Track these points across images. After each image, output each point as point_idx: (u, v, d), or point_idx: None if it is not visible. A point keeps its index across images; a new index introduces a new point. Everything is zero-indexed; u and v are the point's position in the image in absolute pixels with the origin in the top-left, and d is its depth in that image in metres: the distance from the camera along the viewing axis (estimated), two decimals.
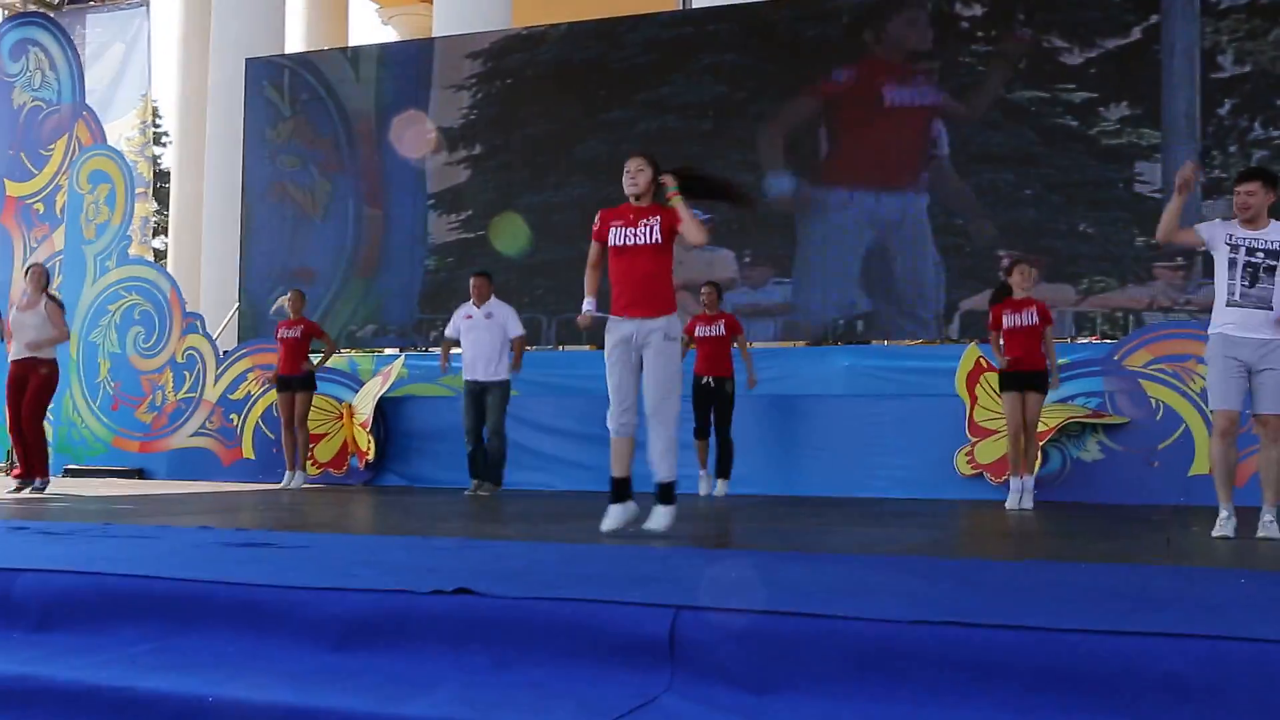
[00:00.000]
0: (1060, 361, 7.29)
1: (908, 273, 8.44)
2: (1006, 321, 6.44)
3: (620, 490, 4.66)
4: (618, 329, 4.60)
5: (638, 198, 4.63)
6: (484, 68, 9.96)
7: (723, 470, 7.37)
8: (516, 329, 7.66)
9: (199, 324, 9.65)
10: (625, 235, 4.58)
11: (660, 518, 4.60)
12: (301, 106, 10.50)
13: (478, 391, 7.61)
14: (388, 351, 10.23)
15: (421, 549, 4.24)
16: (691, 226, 4.51)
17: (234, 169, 11.11)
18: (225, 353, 9.59)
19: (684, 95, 9.21)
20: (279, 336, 8.32)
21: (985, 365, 7.04)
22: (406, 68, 10.21)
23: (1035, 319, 6.40)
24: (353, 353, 10.12)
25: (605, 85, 9.49)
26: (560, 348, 9.78)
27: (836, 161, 8.70)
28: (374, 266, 10.12)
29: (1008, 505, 6.46)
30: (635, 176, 4.65)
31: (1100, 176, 8.11)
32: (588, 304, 4.70)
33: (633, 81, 9.39)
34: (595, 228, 4.69)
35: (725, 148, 9.04)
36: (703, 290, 7.55)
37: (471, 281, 7.77)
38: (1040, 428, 6.95)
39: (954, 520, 6.14)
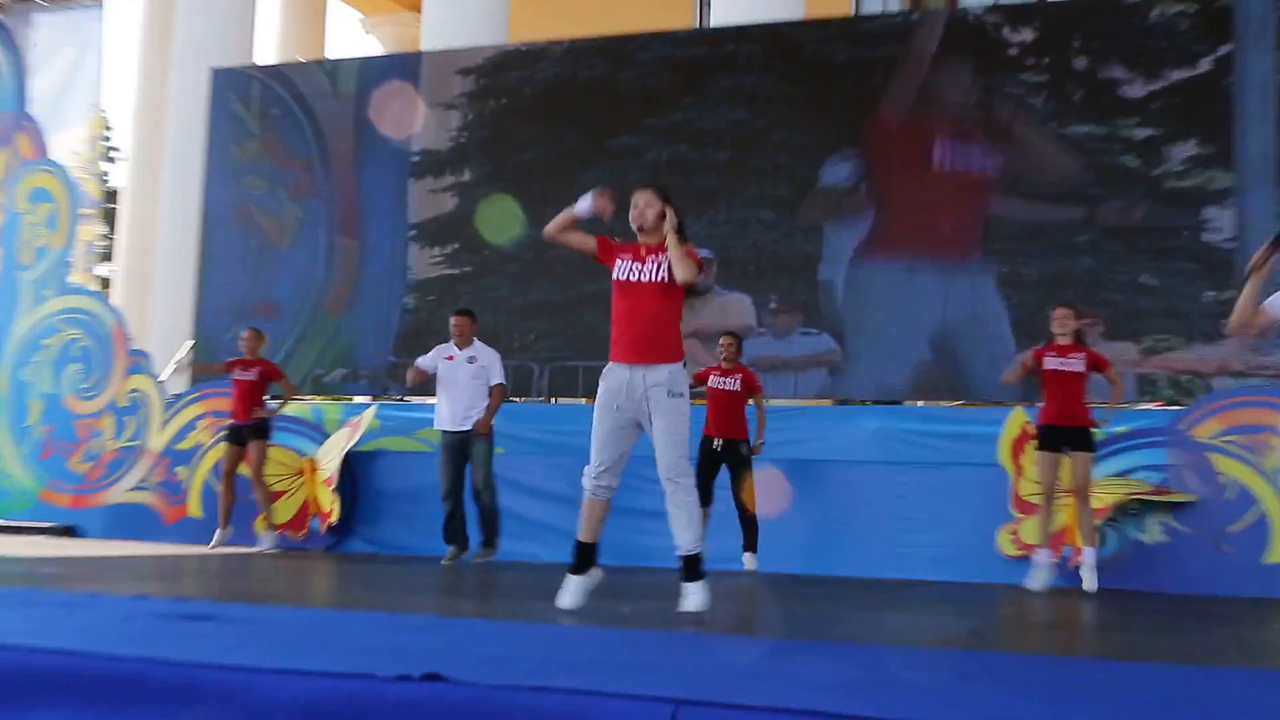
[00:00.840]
0: (1118, 430, 7.28)
1: (962, 326, 8.47)
2: (1048, 363, 6.47)
3: (584, 558, 4.68)
4: (613, 376, 4.62)
5: (644, 232, 4.68)
6: (476, 85, 10.08)
7: (750, 542, 7.36)
8: (498, 376, 7.72)
9: (145, 363, 9.66)
10: (631, 271, 4.63)
11: (695, 597, 4.57)
12: (272, 123, 10.62)
13: (458, 445, 7.64)
14: (358, 400, 10.26)
15: (388, 627, 4.20)
16: (680, 260, 4.53)
17: (193, 190, 11.20)
18: (174, 396, 9.60)
19: (700, 121, 9.32)
20: (232, 378, 8.33)
21: (1031, 432, 7.05)
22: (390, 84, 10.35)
23: (1081, 367, 6.42)
24: (318, 400, 10.14)
25: (611, 108, 9.60)
26: (553, 400, 9.78)
27: (881, 223, 8.74)
28: (345, 303, 10.18)
29: (1031, 584, 6.45)
30: (644, 211, 4.71)
31: (1165, 223, 8.17)
32: (580, 204, 4.66)
33: (642, 105, 9.50)
34: (608, 243, 4.73)
35: (745, 180, 9.12)
36: (721, 341, 7.59)
37: (452, 321, 7.82)
38: (1095, 504, 6.92)
39: (994, 607, 6.10)
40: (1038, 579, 6.51)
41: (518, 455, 8.72)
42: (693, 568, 4.60)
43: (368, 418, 9.00)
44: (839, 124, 8.99)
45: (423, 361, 7.84)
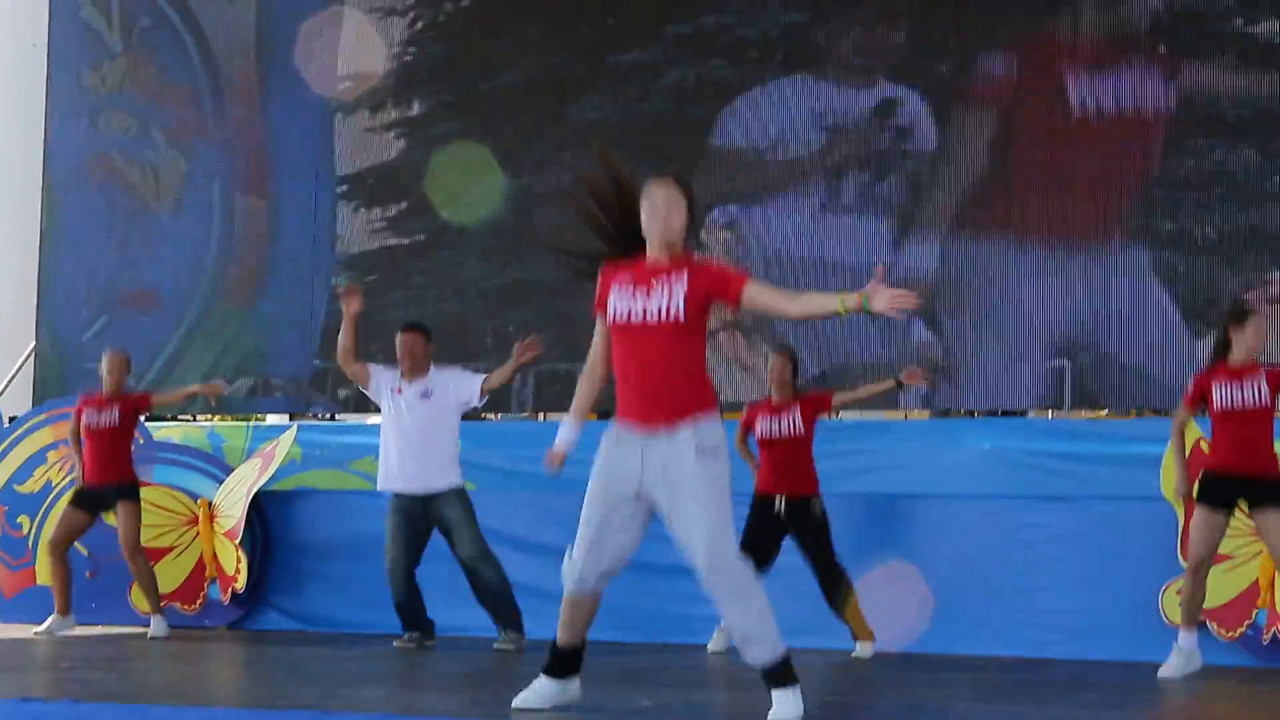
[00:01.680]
0: None
1: (1109, 311, 8.55)
2: (1218, 398, 6.41)
3: (563, 663, 4.77)
4: (623, 440, 4.65)
5: (657, 246, 4.65)
6: None
7: (858, 626, 7.35)
8: (472, 384, 7.71)
9: None
10: (633, 306, 4.61)
11: (788, 706, 4.55)
12: (141, 39, 10.64)
13: (418, 514, 7.60)
14: (270, 419, 10.26)
15: None
16: (779, 297, 4.67)
17: (30, 135, 11.16)
18: (11, 419, 9.63)
19: (738, 27, 9.32)
20: (82, 425, 8.24)
21: (1206, 452, 7.07)
22: None
23: (1265, 397, 6.34)
24: (215, 420, 10.15)
25: (616, 12, 9.61)
26: (540, 417, 9.81)
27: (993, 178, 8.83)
28: (251, 288, 10.19)
29: (1163, 672, 6.46)
30: (668, 217, 4.62)
31: None
32: (564, 431, 4.86)
33: (659, 5, 9.52)
34: (597, 292, 4.75)
35: (798, 107, 9.12)
36: (772, 361, 7.53)
37: (399, 340, 7.73)
38: None
39: (1157, 697, 6.13)
40: (1174, 665, 6.48)
41: (492, 492, 8.69)
42: (779, 676, 4.58)
43: (284, 445, 8.97)
44: (933, 29, 9.00)
45: (374, 366, 7.82)
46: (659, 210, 4.61)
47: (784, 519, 7.33)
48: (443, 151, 9.81)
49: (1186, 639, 6.51)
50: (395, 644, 7.60)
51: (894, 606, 7.60)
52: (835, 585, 7.32)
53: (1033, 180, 8.74)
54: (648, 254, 4.67)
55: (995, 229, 8.78)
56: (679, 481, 4.51)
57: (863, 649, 7.34)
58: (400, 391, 7.67)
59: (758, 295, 4.61)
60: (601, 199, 4.76)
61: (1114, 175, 8.60)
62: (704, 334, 4.68)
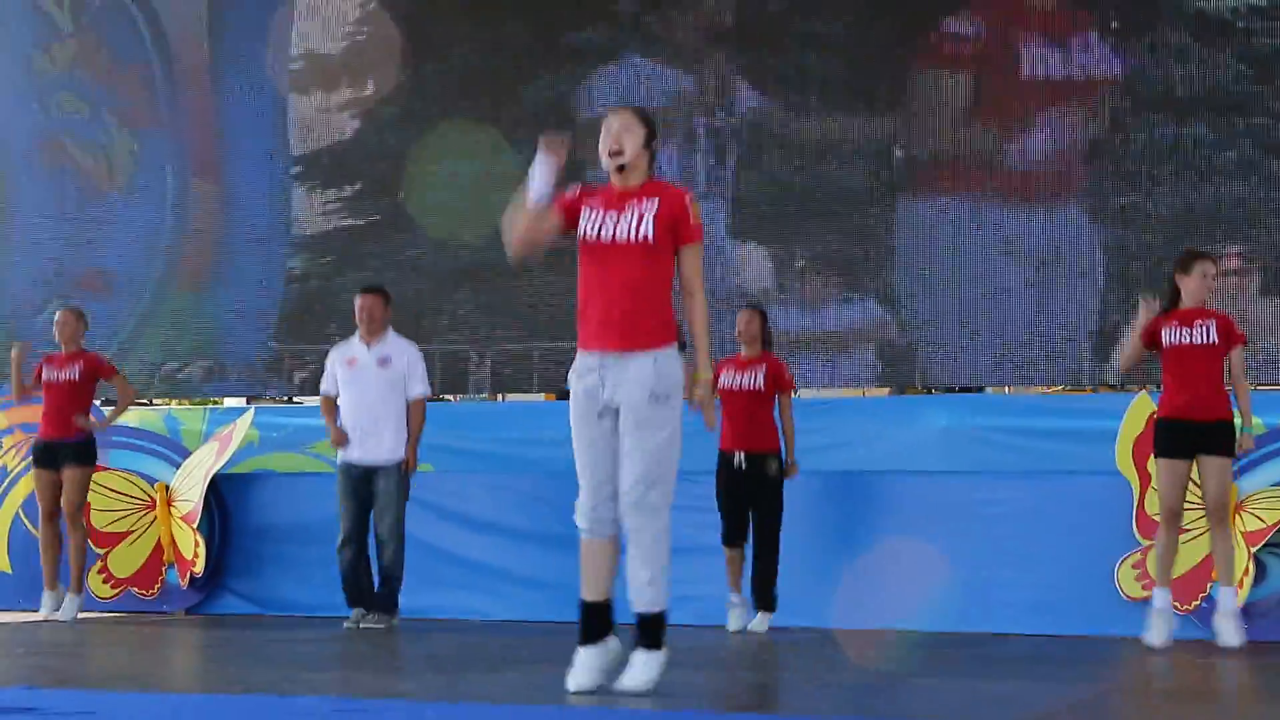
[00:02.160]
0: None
1: (1047, 290, 8.53)
2: (1168, 338, 6.53)
3: (596, 622, 4.69)
4: (584, 370, 4.69)
5: (622, 170, 4.72)
6: None
7: (763, 598, 7.42)
8: (419, 385, 7.77)
9: None
10: (603, 225, 4.67)
11: (639, 670, 4.62)
12: (92, 18, 10.54)
13: (361, 478, 7.70)
14: (228, 403, 10.22)
15: (275, 715, 4.23)
16: (694, 283, 4.72)
17: None
18: None
19: (696, 5, 9.29)
20: (42, 379, 8.32)
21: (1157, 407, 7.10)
22: None
23: (1213, 337, 6.49)
24: (171, 405, 10.11)
25: None
26: (499, 398, 9.81)
27: (945, 149, 8.80)
28: (206, 271, 10.13)
29: (1149, 638, 6.54)
30: (621, 137, 4.73)
31: None
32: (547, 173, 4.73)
33: None
34: (568, 199, 4.80)
35: (763, 87, 9.10)
36: (739, 320, 7.63)
37: (358, 302, 7.82)
38: (1254, 524, 6.96)
39: (1113, 670, 6.17)
40: (1157, 631, 6.57)
41: (451, 475, 8.71)
42: (652, 631, 4.65)
43: (242, 428, 8.98)
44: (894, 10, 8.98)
45: (326, 388, 7.90)
46: (614, 133, 4.70)
47: (745, 473, 7.37)
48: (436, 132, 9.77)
49: (1161, 597, 6.54)
50: (346, 626, 7.63)
51: (860, 583, 7.66)
52: (766, 551, 7.38)
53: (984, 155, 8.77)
54: (612, 181, 4.75)
55: (947, 195, 8.78)
56: (630, 413, 4.60)
57: (760, 622, 7.41)
58: (354, 362, 7.76)
59: (688, 261, 4.71)
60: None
61: (1065, 152, 8.60)
62: (671, 260, 4.70)
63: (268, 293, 10.00)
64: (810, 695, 5.09)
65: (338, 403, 7.82)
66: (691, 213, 4.71)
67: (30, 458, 8.52)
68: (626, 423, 4.60)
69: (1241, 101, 8.33)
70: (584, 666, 4.65)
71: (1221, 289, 7.88)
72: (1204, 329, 6.54)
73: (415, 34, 9.89)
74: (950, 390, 8.78)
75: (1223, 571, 6.60)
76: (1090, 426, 7.81)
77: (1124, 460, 7.40)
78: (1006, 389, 8.87)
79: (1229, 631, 6.51)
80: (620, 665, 4.69)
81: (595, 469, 4.66)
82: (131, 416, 9.40)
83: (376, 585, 7.73)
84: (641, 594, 4.63)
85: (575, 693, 4.59)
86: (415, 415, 7.74)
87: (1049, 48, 8.65)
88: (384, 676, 5.90)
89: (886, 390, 9.09)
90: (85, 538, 8.34)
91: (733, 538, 7.47)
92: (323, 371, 8.05)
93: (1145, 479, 7.29)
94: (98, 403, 8.68)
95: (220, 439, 8.94)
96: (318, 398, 8.14)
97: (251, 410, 9.41)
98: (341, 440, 7.76)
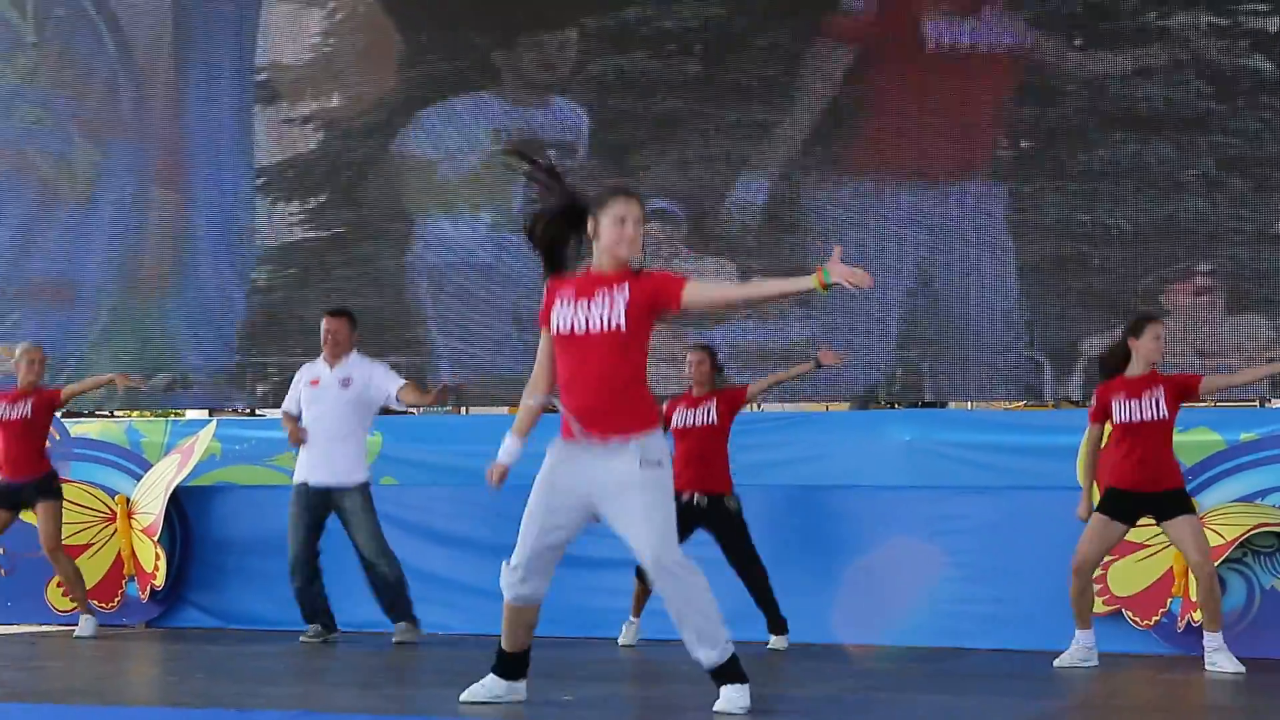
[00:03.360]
0: (1246, 437, 7.34)
1: (986, 301, 8.53)
2: (1118, 413, 6.48)
3: (510, 665, 4.87)
4: (562, 458, 4.70)
5: (622, 262, 4.69)
6: None
7: (774, 621, 7.36)
8: (393, 381, 7.71)
9: None
10: (575, 316, 4.65)
11: (734, 700, 4.66)
12: (55, 27, 10.49)
13: (317, 503, 7.65)
14: (190, 415, 10.18)
15: None
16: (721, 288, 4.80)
17: None
18: None
19: (658, 19, 9.29)
20: None
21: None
22: None
23: (1163, 411, 6.41)
24: (133, 416, 10.05)
25: (534, 1, 9.56)
26: (463, 410, 9.77)
27: (865, 141, 8.82)
28: (168, 281, 10.07)
29: (1059, 662, 6.56)
30: (637, 237, 4.69)
31: None
32: (508, 443, 4.85)
33: None
34: (543, 304, 4.78)
35: (720, 101, 9.11)
36: (689, 360, 7.54)
37: (324, 325, 7.79)
38: (1214, 540, 6.98)
39: (1073, 684, 6.18)
40: (1068, 656, 6.58)
41: (414, 487, 8.68)
42: (725, 674, 4.67)
43: (203, 440, 8.92)
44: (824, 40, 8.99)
45: (288, 407, 7.89)
46: (628, 231, 4.65)
47: (700, 513, 7.25)
48: None
49: (1084, 636, 6.53)
50: (300, 639, 7.62)
51: (823, 598, 7.66)
52: (757, 579, 7.33)
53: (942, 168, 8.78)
54: (594, 265, 4.72)
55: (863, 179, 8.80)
56: (623, 491, 4.58)
57: (777, 641, 7.37)
58: (317, 382, 7.74)
59: (698, 294, 4.70)
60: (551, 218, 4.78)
61: (1029, 164, 8.63)
62: (645, 346, 4.71)
63: (230, 304, 9.97)
64: (772, 711, 5.06)
65: (299, 422, 7.79)
66: (657, 278, 4.69)
67: None
68: (625, 504, 4.60)
69: (1202, 118, 8.36)
70: (486, 688, 4.83)
71: (1189, 307, 8.07)
72: (1153, 401, 6.43)
73: (376, 45, 9.87)
74: (914, 405, 8.77)
75: (1209, 619, 6.47)
76: (1051, 442, 7.82)
77: (1084, 475, 7.37)
78: (969, 404, 8.88)
79: (1226, 662, 6.37)
80: (518, 701, 4.84)
81: (537, 538, 4.68)
82: (93, 428, 9.37)
83: (381, 600, 7.68)
84: (705, 654, 4.64)
85: (464, 703, 4.75)
86: (411, 394, 7.66)
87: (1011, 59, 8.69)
88: (344, 691, 5.90)
89: (848, 405, 9.07)
90: (71, 561, 8.18)
91: None
92: (286, 384, 8.02)
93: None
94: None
95: (182, 451, 8.88)
96: (279, 411, 8.12)
97: (214, 422, 9.37)
98: (298, 437, 7.70)
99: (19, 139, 10.55)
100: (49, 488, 8.06)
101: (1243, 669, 6.29)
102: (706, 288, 4.77)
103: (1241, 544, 7.08)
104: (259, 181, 10.02)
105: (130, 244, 10.20)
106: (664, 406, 7.48)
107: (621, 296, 4.59)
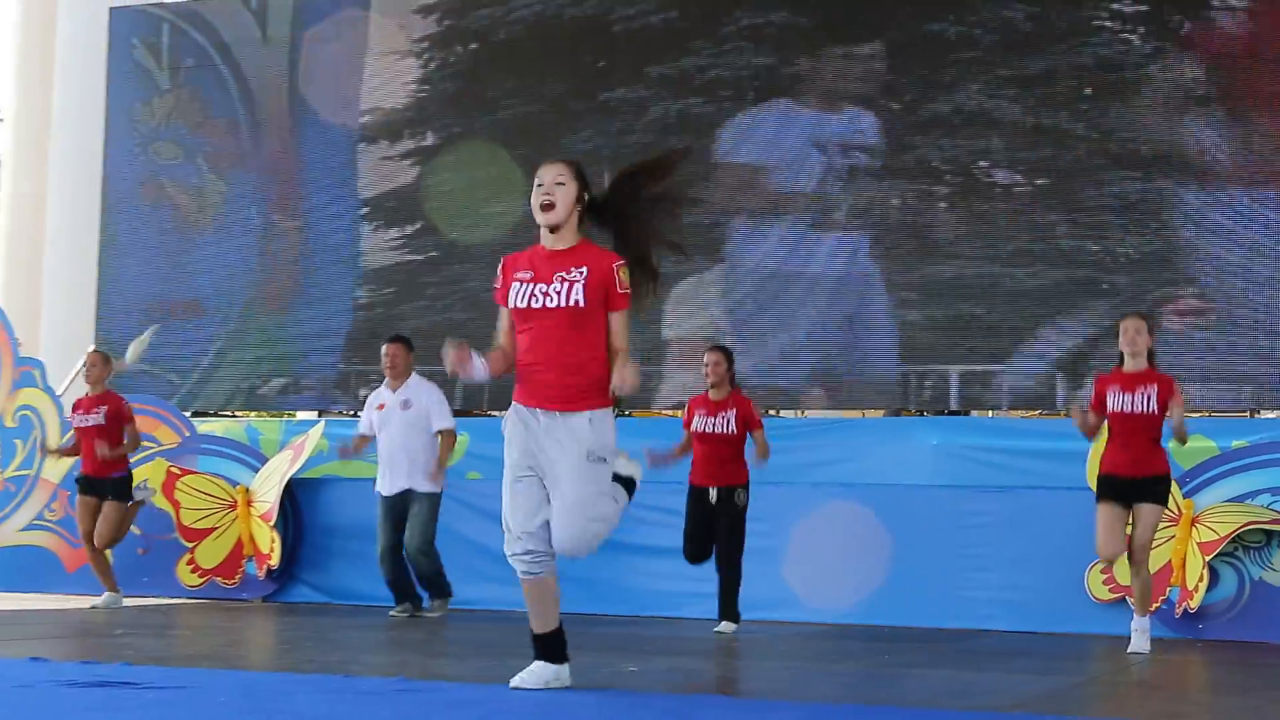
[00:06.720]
0: (1238, 444, 7.30)
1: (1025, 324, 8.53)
2: (1111, 403, 6.39)
3: (548, 648, 4.44)
4: (520, 422, 4.39)
5: (554, 229, 4.39)
6: (439, 28, 10.09)
7: (728, 609, 7.10)
8: (441, 419, 7.74)
9: (38, 374, 9.70)
10: (532, 293, 4.35)
11: (534, 676, 4.40)
12: (186, 76, 10.65)
13: (396, 504, 7.75)
14: (301, 416, 10.26)
15: (342, 692, 4.25)
16: (617, 342, 4.34)
17: (90, 161, 11.17)
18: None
19: (715, 68, 9.34)
20: (73, 425, 8.22)
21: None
22: (333, 25, 10.37)
23: (1153, 406, 6.30)
24: (252, 416, 10.16)
25: (606, 54, 9.62)
26: None
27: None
28: (285, 298, 10.19)
29: (1136, 648, 6.38)
30: (552, 190, 4.37)
31: None
32: (478, 363, 4.49)
33: (644, 49, 9.52)
34: (500, 281, 4.50)
35: (769, 140, 9.15)
36: (706, 362, 7.26)
37: (384, 351, 7.85)
38: (1208, 536, 6.96)
39: (1082, 663, 6.18)
40: (1135, 642, 6.40)
41: (496, 481, 8.65)
42: (548, 646, 4.44)
43: (313, 438, 9.00)
44: (884, 67, 9.00)
45: (363, 426, 7.95)
46: (544, 186, 4.39)
47: (713, 504, 7.07)
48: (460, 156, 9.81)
49: (1139, 621, 6.38)
50: (390, 613, 7.70)
51: (858, 584, 7.68)
52: (730, 575, 7.08)
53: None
54: (542, 240, 4.44)
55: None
56: (564, 472, 4.29)
57: (725, 626, 7.03)
58: (383, 407, 7.79)
59: (616, 326, 4.39)
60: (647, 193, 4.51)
61: (1049, 201, 8.61)
62: (604, 322, 4.37)
63: (337, 319, 10.09)
64: (808, 682, 5.10)
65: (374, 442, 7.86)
66: (619, 280, 4.36)
67: (78, 480, 8.30)
68: (561, 484, 4.30)
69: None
70: (534, 674, 4.42)
71: (1183, 328, 8.02)
72: (1145, 397, 6.31)
73: (467, 91, 9.97)
74: (940, 413, 8.79)
75: (1138, 603, 6.40)
76: (1063, 447, 7.75)
77: (1093, 476, 7.39)
78: (990, 413, 8.87)
79: (1141, 642, 6.31)
80: (565, 686, 4.44)
81: (518, 511, 4.37)
82: (217, 426, 9.49)
83: (425, 586, 7.79)
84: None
85: (514, 688, 4.37)
86: (443, 446, 7.74)
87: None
88: (436, 659, 5.94)
89: (882, 412, 9.10)
90: (105, 559, 8.13)
91: (698, 557, 7.16)
92: None
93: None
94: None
95: (294, 447, 8.98)
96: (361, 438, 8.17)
97: (322, 422, 9.50)
98: (348, 449, 7.88)
99: (154, 173, 10.68)
100: (120, 491, 8.11)
101: (1145, 651, 6.17)
102: (616, 329, 4.34)
103: (1233, 540, 7.05)
104: (363, 210, 10.15)
105: (250, 265, 10.33)
106: (686, 407, 7.36)
107: (581, 274, 4.32)
